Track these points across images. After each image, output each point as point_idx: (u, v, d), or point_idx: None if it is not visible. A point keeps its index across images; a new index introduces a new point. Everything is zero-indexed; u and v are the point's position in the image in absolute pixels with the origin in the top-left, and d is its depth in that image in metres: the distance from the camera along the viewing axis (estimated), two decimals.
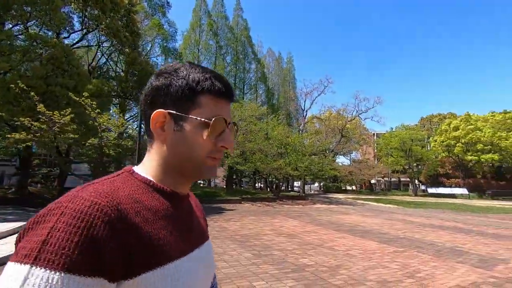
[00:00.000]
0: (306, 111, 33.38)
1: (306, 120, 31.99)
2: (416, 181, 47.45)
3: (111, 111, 13.77)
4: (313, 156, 23.29)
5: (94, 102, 8.10)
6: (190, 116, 0.52)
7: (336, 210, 14.70)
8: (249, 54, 33.75)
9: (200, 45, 28.56)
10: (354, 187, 47.23)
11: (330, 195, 29.24)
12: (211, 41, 28.48)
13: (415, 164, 39.43)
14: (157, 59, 21.09)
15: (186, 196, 0.60)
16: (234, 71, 32.22)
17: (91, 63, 15.78)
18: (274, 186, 21.22)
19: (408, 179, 51.12)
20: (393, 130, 42.22)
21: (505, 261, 5.26)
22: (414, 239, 7.13)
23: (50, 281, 0.35)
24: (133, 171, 0.54)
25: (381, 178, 51.85)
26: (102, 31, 11.19)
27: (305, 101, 29.57)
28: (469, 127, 35.91)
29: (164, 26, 21.08)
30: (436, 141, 38.55)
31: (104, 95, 11.28)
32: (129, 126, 11.61)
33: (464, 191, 33.86)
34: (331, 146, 29.54)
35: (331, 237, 7.06)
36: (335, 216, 11.61)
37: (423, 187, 40.71)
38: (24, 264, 0.36)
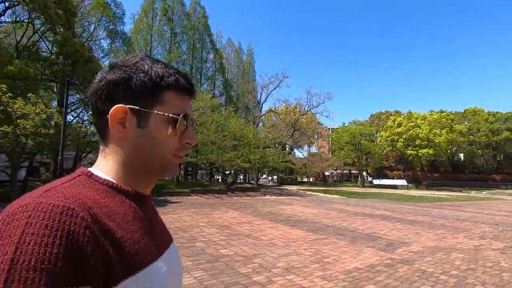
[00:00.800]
0: (262, 104, 33.71)
1: (261, 113, 32.35)
2: (365, 173, 51.06)
3: (42, 96, 12.52)
4: (267, 148, 23.74)
5: (4, 85, 7.20)
6: (155, 112, 0.50)
7: (282, 201, 15.17)
8: (206, 43, 32.99)
9: (153, 31, 27.13)
10: (311, 179, 49.45)
11: (284, 187, 30.14)
12: (165, 27, 27.22)
13: (364, 157, 42.42)
14: (100, 42, 19.55)
15: (149, 197, 0.57)
16: (191, 60, 31.29)
17: (20, 40, 14.10)
18: (227, 179, 21.18)
19: (358, 171, 55.03)
20: (345, 125, 44.62)
21: (408, 244, 5.86)
22: (339, 227, 7.62)
23: None
24: (91, 173, 0.49)
25: (334, 171, 54.85)
26: (26, 6, 10.00)
27: (261, 94, 29.76)
28: (410, 124, 39.42)
29: (111, 7, 19.56)
30: (382, 136, 41.71)
31: (30, 78, 10.18)
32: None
33: (404, 182, 37.29)
34: (284, 139, 30.31)
35: (262, 228, 7.25)
36: (277, 207, 11.97)
37: (370, 179, 43.97)
38: None
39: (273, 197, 17.82)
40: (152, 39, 26.74)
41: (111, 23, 18.86)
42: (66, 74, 10.80)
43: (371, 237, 6.51)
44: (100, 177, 0.49)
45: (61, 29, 11.54)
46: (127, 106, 0.49)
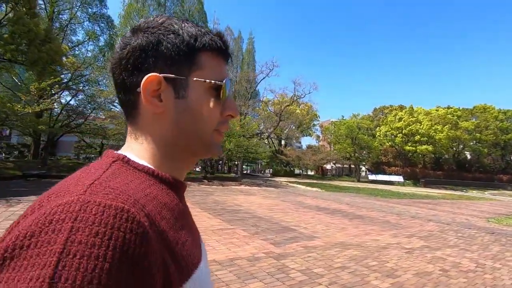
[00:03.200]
0: (250, 93, 33.15)
1: (249, 102, 31.82)
2: (363, 167, 50.07)
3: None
4: (253, 138, 23.37)
5: None
6: (194, 79, 0.42)
7: (247, 191, 14.88)
8: None
9: (143, 17, 26.74)
10: (312, 172, 48.83)
11: (274, 179, 29.82)
12: (155, 12, 26.73)
13: (364, 151, 41.43)
14: (83, 25, 19.35)
15: (185, 186, 0.48)
16: None
17: None
18: (207, 167, 21.01)
19: (361, 166, 53.96)
20: (344, 118, 43.59)
21: (313, 239, 5.47)
22: (264, 218, 7.27)
23: None
24: (128, 158, 0.41)
25: (333, 164, 54.03)
26: None
27: (251, 84, 29.17)
28: (410, 119, 38.06)
29: None
30: (381, 130, 40.52)
31: None
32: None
33: (400, 178, 36.24)
34: (269, 130, 29.78)
35: None
36: (233, 197, 11.69)
37: (369, 174, 43.03)
38: None
39: (246, 187, 17.55)
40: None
41: (89, 6, 18.57)
42: (21, 54, 10.68)
43: (284, 229, 6.15)
44: (138, 163, 0.41)
45: (23, 9, 11.39)
46: (161, 74, 0.41)
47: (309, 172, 49.93)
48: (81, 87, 15.24)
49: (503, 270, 4.37)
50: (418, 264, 4.35)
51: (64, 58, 13.78)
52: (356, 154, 38.40)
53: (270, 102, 34.97)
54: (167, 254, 0.34)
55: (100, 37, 20.32)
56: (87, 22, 19.27)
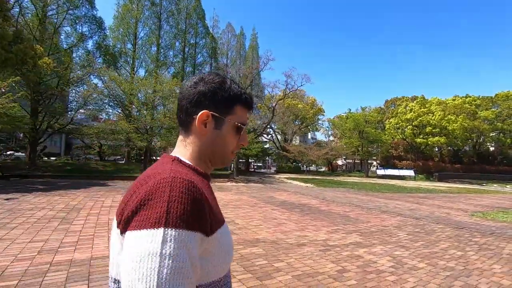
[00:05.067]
0: (251, 87, 32.56)
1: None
2: (374, 162, 48.15)
3: None
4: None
5: None
6: (228, 120, 0.67)
7: (226, 188, 14.48)
8: (198, 28, 32.26)
9: (141, 17, 26.82)
10: (324, 168, 47.67)
11: (274, 175, 29.22)
12: (147, 12, 26.82)
13: (375, 145, 39.75)
14: (72, 28, 19.59)
15: (210, 178, 0.72)
16: (181, 46, 30.87)
17: None
18: None
19: (371, 161, 51.96)
20: (351, 111, 41.99)
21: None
22: None
23: (181, 237, 0.47)
24: (180, 159, 0.65)
25: (344, 160, 52.44)
26: None
27: (247, 78, 28.61)
28: (422, 110, 35.99)
29: None
30: (391, 123, 38.65)
31: None
32: None
33: (411, 173, 34.40)
34: (267, 126, 29.11)
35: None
36: None
37: (378, 169, 41.29)
38: (157, 228, 0.47)
39: (231, 184, 17.16)
40: (138, 25, 26.56)
41: (73, 7, 18.70)
42: None
43: None
44: (186, 161, 0.65)
45: None
46: (210, 112, 0.65)
47: (321, 169, 48.88)
48: (66, 89, 15.38)
49: (420, 272, 3.70)
50: (316, 264, 3.77)
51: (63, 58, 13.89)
52: (364, 149, 36.83)
53: (264, 97, 34.24)
54: (209, 207, 0.56)
55: (89, 39, 20.51)
56: (76, 24, 19.43)
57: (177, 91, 21.62)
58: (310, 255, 4.13)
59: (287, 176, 27.82)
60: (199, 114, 0.64)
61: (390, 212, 8.68)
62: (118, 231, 0.54)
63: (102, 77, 18.40)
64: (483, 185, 31.15)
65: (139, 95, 18.94)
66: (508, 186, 31.02)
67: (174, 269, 0.45)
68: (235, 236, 4.95)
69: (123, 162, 24.46)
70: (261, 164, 52.06)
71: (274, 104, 28.02)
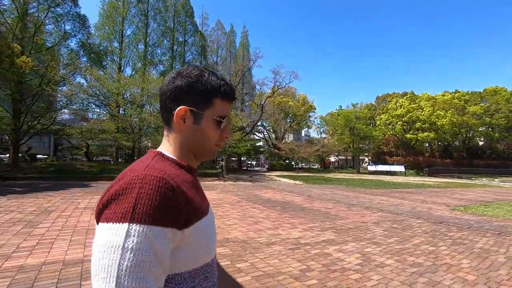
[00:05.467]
0: (235, 86, 32.37)
1: (245, 97, 31.12)
2: (366, 158, 48.47)
3: None
4: (236, 132, 22.76)
5: None
6: (206, 114, 0.67)
7: (212, 186, 14.33)
8: (187, 26, 31.87)
9: (127, 14, 26.36)
10: (317, 166, 47.72)
11: (265, 173, 29.14)
12: (133, 9, 26.36)
13: (366, 142, 39.90)
14: (54, 25, 19.08)
15: (197, 170, 0.74)
16: (170, 44, 30.46)
17: None
18: None
19: (363, 157, 52.25)
20: (342, 108, 42.08)
21: None
22: None
23: (144, 232, 0.49)
24: (162, 153, 0.67)
25: (336, 157, 52.65)
26: None
27: (236, 76, 28.43)
28: (411, 105, 36.25)
29: None
30: (381, 119, 38.86)
31: None
32: None
33: (401, 168, 34.67)
34: (252, 122, 28.94)
35: (73, 215, 6.51)
36: None
37: (369, 165, 41.54)
38: (122, 223, 0.49)
39: (218, 182, 17.02)
40: (124, 23, 26.08)
41: (60, 6, 18.28)
42: None
43: None
44: (169, 155, 0.67)
45: None
46: (188, 107, 0.66)
47: (314, 166, 48.92)
48: (46, 88, 14.98)
49: (386, 269, 3.62)
50: (280, 264, 3.66)
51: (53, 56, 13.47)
52: (355, 145, 36.98)
53: (255, 95, 34.08)
54: (187, 200, 0.58)
55: (73, 38, 20.03)
56: (58, 22, 18.93)
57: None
58: (277, 255, 4.02)
59: (278, 174, 27.77)
60: (176, 110, 0.65)
61: (373, 208, 8.65)
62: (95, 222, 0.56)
63: (85, 76, 18.00)
64: (472, 179, 31.56)
65: (126, 94, 18.64)
66: (496, 180, 31.47)
67: (135, 262, 0.47)
68: None
69: (111, 162, 24.10)
70: (254, 162, 52.01)
71: (262, 102, 27.83)
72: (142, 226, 0.49)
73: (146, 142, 17.84)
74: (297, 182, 19.34)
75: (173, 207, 0.53)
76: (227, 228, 5.50)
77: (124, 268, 0.46)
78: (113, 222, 0.49)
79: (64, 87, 16.89)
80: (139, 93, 17.88)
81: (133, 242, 0.48)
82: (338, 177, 26.12)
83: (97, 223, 0.53)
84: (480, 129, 45.94)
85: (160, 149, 0.69)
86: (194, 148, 0.69)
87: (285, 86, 26.65)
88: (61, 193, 9.78)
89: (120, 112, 17.96)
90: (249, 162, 52.50)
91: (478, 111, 42.55)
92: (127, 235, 0.48)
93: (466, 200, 11.55)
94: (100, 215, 0.53)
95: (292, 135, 61.04)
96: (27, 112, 15.32)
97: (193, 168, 0.71)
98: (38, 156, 22.98)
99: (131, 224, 0.48)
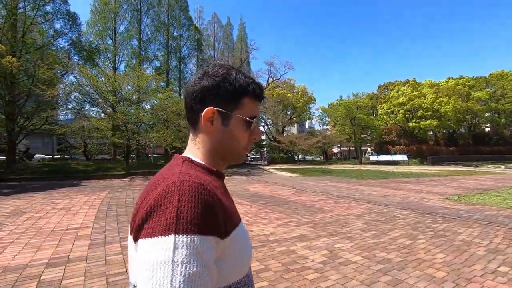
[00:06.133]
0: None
1: None
2: (369, 149, 47.85)
3: None
4: None
5: None
6: (236, 115, 0.63)
7: None
8: (181, 19, 31.42)
9: (119, 10, 25.99)
10: (321, 157, 47.28)
11: (264, 167, 28.91)
12: (125, 5, 26.02)
13: (368, 132, 39.26)
14: (42, 24, 18.87)
15: (224, 175, 0.70)
16: (165, 39, 30.10)
17: None
18: None
19: (365, 148, 51.61)
20: (342, 98, 41.38)
21: None
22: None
23: (193, 243, 0.46)
24: (191, 159, 0.63)
25: (338, 148, 52.12)
26: None
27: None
28: (413, 93, 35.42)
29: None
30: (383, 108, 38.13)
31: None
32: None
33: (404, 157, 34.07)
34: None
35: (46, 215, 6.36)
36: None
37: (371, 155, 40.97)
38: (167, 235, 0.45)
39: None
40: (117, 19, 25.76)
41: (46, 4, 18.04)
42: None
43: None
44: (197, 161, 0.63)
45: None
46: (216, 108, 0.62)
47: (317, 158, 48.49)
48: (33, 88, 14.84)
49: (350, 267, 3.36)
50: None
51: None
52: (357, 135, 36.41)
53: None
54: (223, 208, 0.54)
55: (64, 36, 19.82)
56: (46, 22, 18.72)
57: (154, 84, 21.25)
58: None
59: (277, 167, 27.52)
60: (204, 112, 0.62)
61: (362, 199, 8.36)
62: (132, 238, 0.53)
63: (75, 75, 17.84)
64: (477, 167, 30.89)
65: (118, 91, 18.44)
66: (502, 167, 30.74)
67: (188, 276, 0.44)
68: None
69: (110, 160, 24.10)
70: (258, 156, 51.78)
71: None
72: (189, 236, 0.46)
73: (139, 140, 17.62)
74: (294, 174, 19.07)
75: (214, 214, 0.51)
76: None
77: (178, 284, 0.43)
78: (157, 236, 0.45)
79: (58, 87, 16.76)
80: (132, 90, 17.66)
81: (182, 254, 0.44)
82: (338, 168, 25.77)
83: (136, 240, 0.50)
84: (486, 115, 44.86)
85: (187, 154, 0.66)
86: (222, 152, 0.65)
87: (279, 78, 26.10)
88: (46, 193, 9.69)
89: (110, 110, 17.75)
90: (252, 156, 52.37)
91: (483, 97, 41.47)
92: (175, 247, 0.44)
93: (464, 188, 11.17)
94: (140, 231, 0.49)
95: (296, 127, 60.59)
96: (18, 114, 15.24)
97: (222, 173, 0.67)
98: (38, 156, 23.10)
99: (177, 236, 0.45)
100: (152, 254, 0.45)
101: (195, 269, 0.45)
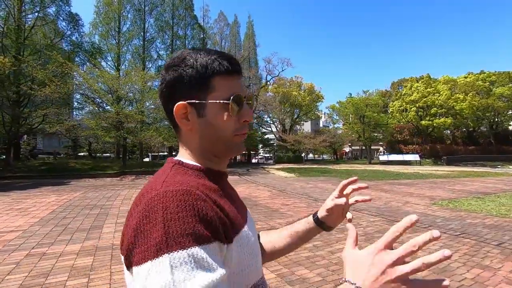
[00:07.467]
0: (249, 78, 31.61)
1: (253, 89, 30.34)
2: (381, 148, 46.13)
3: None
4: None
5: None
6: (208, 101, 0.55)
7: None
8: (186, 18, 31.43)
9: (123, 9, 26.29)
10: (333, 157, 46.22)
11: (266, 166, 28.41)
12: (128, 5, 26.26)
13: (380, 130, 37.80)
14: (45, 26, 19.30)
15: (226, 173, 0.63)
16: (169, 38, 30.23)
17: None
18: None
19: (377, 147, 49.85)
20: (352, 96, 40.04)
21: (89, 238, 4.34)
22: (112, 212, 6.25)
23: (190, 257, 0.40)
24: (181, 161, 0.57)
25: (349, 147, 50.70)
26: None
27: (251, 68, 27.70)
28: (427, 90, 33.66)
29: None
30: (394, 106, 36.54)
31: None
32: None
33: (416, 157, 32.45)
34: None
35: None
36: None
37: (381, 154, 39.44)
38: (161, 256, 0.40)
39: None
40: (120, 19, 26.07)
41: (49, 7, 18.42)
42: None
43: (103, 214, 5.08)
44: (188, 163, 0.57)
45: None
46: (186, 101, 0.55)
47: (330, 158, 47.37)
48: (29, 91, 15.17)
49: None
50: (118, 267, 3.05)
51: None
52: (366, 134, 35.08)
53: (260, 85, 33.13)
54: (220, 212, 0.48)
55: (67, 37, 20.22)
56: (46, 24, 19.12)
57: (150, 84, 21.27)
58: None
59: (280, 167, 26.93)
60: (174, 109, 0.55)
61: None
62: (123, 261, 0.47)
63: (74, 76, 18.12)
64: (497, 167, 28.92)
65: (116, 92, 18.59)
66: None
67: None
68: (94, 241, 4.30)
69: (111, 158, 24.50)
70: (268, 155, 51.25)
71: (255, 93, 27.00)
72: (184, 250, 0.40)
73: (133, 139, 17.66)
74: (290, 175, 18.49)
75: (208, 220, 0.44)
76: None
77: None
78: (150, 260, 0.40)
79: (58, 87, 17.07)
80: (127, 89, 17.72)
81: (183, 272, 0.39)
82: (343, 168, 24.83)
83: (129, 267, 0.44)
84: (510, 112, 42.04)
85: (178, 156, 0.61)
86: (210, 147, 0.58)
87: (278, 75, 25.47)
88: (23, 192, 9.75)
89: (109, 109, 17.91)
90: (262, 155, 51.86)
91: (505, 93, 38.78)
92: (173, 267, 0.39)
93: (463, 192, 10.23)
94: (131, 257, 0.43)
95: (310, 125, 59.46)
96: (15, 115, 15.63)
97: (219, 171, 0.60)
98: (43, 155, 23.84)
99: (171, 254, 0.40)
100: (150, 281, 0.39)
101: (201, 282, 0.39)
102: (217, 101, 0.55)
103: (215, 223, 0.45)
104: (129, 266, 0.45)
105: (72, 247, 4.06)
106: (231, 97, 0.55)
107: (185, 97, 0.55)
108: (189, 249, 0.41)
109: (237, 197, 0.65)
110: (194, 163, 0.57)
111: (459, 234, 4.82)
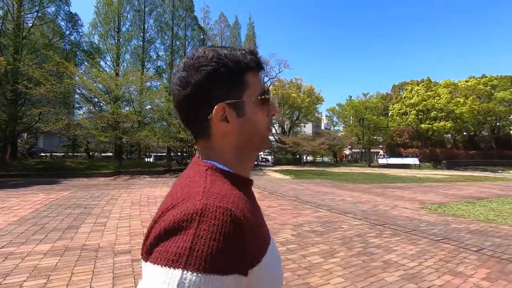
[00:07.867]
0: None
1: None
2: (381, 151, 45.89)
3: None
4: None
5: None
6: (246, 99, 0.53)
7: (167, 183, 13.84)
8: (186, 19, 31.51)
9: (122, 10, 26.43)
10: (333, 159, 46.03)
11: (264, 168, 28.34)
12: (128, 6, 26.38)
13: (380, 133, 37.64)
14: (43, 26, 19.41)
15: (252, 181, 0.61)
16: (169, 39, 30.30)
17: None
18: (179, 159, 20.35)
19: (377, 150, 49.60)
20: (352, 98, 39.91)
21: (65, 237, 4.30)
22: (94, 212, 6.21)
23: (202, 284, 0.37)
24: (215, 166, 0.53)
25: (349, 150, 50.46)
26: None
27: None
28: (427, 93, 33.49)
29: None
30: (394, 109, 36.36)
31: None
32: None
33: (415, 161, 32.24)
34: None
35: None
36: (140, 190, 10.77)
37: (380, 157, 39.23)
38: (174, 268, 0.38)
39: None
40: (120, 20, 26.19)
41: (49, 7, 18.52)
42: None
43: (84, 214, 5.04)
44: (223, 169, 0.53)
45: None
46: (224, 103, 0.52)
47: (331, 160, 47.15)
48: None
49: None
50: (85, 282, 2.99)
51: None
52: (366, 137, 34.93)
53: None
54: (252, 240, 0.46)
55: (64, 37, 20.31)
56: (44, 23, 19.21)
57: (148, 84, 21.32)
58: (98, 269, 3.35)
59: (278, 168, 26.85)
60: (213, 113, 0.51)
61: (325, 206, 7.67)
62: (143, 252, 0.46)
63: (70, 76, 18.18)
64: (498, 172, 28.67)
65: (113, 92, 18.63)
66: None
67: None
68: (66, 241, 4.26)
69: (112, 158, 24.50)
70: (268, 157, 51.14)
71: None
72: (200, 275, 0.38)
73: (128, 139, 17.68)
74: (285, 176, 18.40)
75: (240, 248, 0.42)
76: (110, 231, 4.89)
77: None
78: (163, 265, 0.39)
79: (56, 86, 17.15)
80: (124, 89, 17.75)
81: None
82: (340, 171, 24.69)
83: (146, 259, 0.43)
84: (511, 117, 41.71)
85: (208, 159, 0.55)
86: (250, 145, 0.56)
87: (275, 77, 25.46)
88: (12, 191, 9.73)
89: (106, 108, 17.94)
90: (264, 157, 51.76)
91: (507, 97, 38.49)
92: (180, 285, 0.37)
93: (455, 196, 10.11)
94: (150, 252, 0.42)
95: (311, 128, 59.22)
96: (11, 113, 15.69)
97: (249, 179, 0.58)
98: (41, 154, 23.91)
99: (185, 272, 0.38)
100: (154, 284, 0.38)
101: None
102: (258, 97, 0.54)
103: (242, 252, 0.43)
104: (145, 259, 0.43)
105: (41, 247, 4.01)
106: (264, 92, 0.55)
107: (220, 98, 0.52)
108: (205, 274, 0.38)
109: (259, 208, 0.60)
110: (227, 169, 0.54)
111: (440, 239, 4.72)
